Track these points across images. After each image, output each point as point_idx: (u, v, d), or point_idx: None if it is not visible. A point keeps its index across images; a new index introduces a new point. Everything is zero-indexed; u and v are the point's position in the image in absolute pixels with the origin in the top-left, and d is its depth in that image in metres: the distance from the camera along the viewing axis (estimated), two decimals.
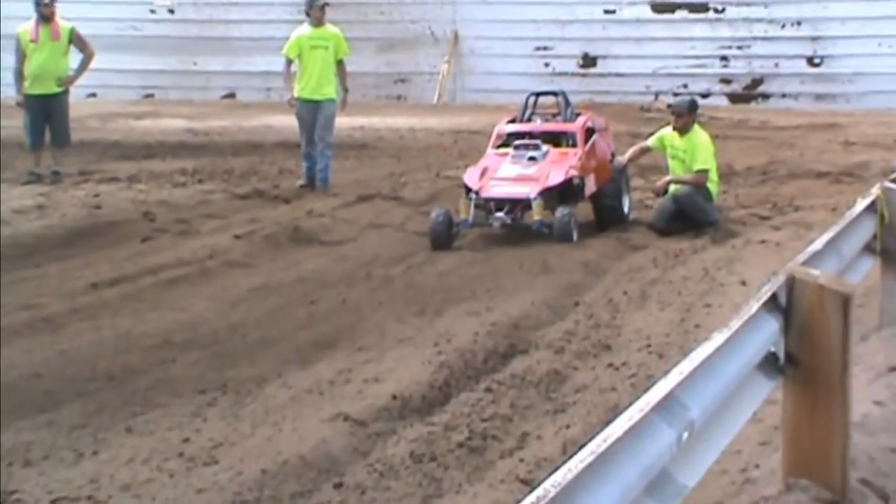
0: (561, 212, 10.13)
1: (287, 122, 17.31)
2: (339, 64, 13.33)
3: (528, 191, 10.28)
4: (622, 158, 11.43)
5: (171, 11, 24.56)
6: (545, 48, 22.71)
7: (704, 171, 10.90)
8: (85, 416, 5.93)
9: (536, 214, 10.15)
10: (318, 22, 13.31)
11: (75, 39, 13.71)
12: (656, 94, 21.73)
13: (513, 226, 10.28)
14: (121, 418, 5.88)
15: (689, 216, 10.69)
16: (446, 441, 5.41)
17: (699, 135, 11.07)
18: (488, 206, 10.32)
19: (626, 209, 11.25)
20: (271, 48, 21.77)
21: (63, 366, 6.77)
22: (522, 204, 10.26)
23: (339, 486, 4.94)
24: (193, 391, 6.29)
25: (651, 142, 11.46)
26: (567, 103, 11.53)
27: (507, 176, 10.56)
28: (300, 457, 5.21)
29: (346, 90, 13.52)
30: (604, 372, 6.50)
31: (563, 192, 10.49)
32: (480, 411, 5.83)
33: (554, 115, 11.65)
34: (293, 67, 13.33)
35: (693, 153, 10.92)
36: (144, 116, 20.47)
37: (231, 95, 24.34)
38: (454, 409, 5.88)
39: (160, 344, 7.24)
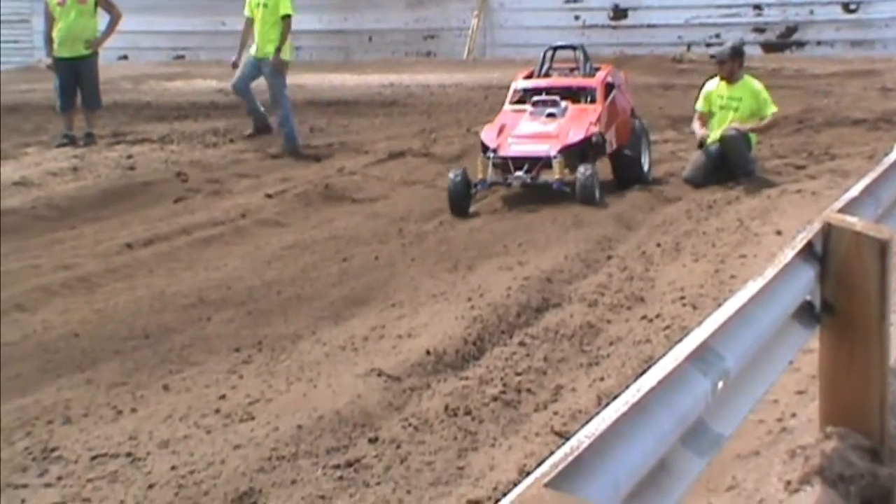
0: (582, 171, 9.74)
1: (317, 80, 17.35)
2: (284, 20, 12.95)
3: (548, 148, 9.93)
4: (703, 132, 10.90)
5: None
6: (575, 1, 22.54)
7: (775, 114, 10.84)
8: (123, 374, 5.99)
9: (556, 173, 9.81)
10: None
11: (102, 1, 13.71)
12: (688, 45, 21.53)
13: (532, 185, 9.95)
14: (158, 376, 5.93)
15: (730, 161, 10.50)
16: (480, 395, 5.42)
17: (752, 81, 10.92)
18: (507, 164, 9.97)
19: (646, 167, 10.91)
20: (300, 6, 21.80)
21: (100, 325, 6.84)
22: (542, 162, 9.90)
23: (374, 440, 4.96)
24: (229, 349, 6.34)
25: (699, 106, 11.03)
26: (586, 58, 11.08)
27: (526, 133, 10.19)
28: (335, 412, 5.23)
29: (277, 50, 12.87)
30: (637, 324, 6.48)
31: (584, 150, 10.14)
32: (514, 365, 5.83)
33: (572, 70, 11.20)
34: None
35: (752, 99, 10.76)
36: (175, 77, 20.50)
37: None
38: (488, 363, 5.89)
39: (195, 302, 7.29)
